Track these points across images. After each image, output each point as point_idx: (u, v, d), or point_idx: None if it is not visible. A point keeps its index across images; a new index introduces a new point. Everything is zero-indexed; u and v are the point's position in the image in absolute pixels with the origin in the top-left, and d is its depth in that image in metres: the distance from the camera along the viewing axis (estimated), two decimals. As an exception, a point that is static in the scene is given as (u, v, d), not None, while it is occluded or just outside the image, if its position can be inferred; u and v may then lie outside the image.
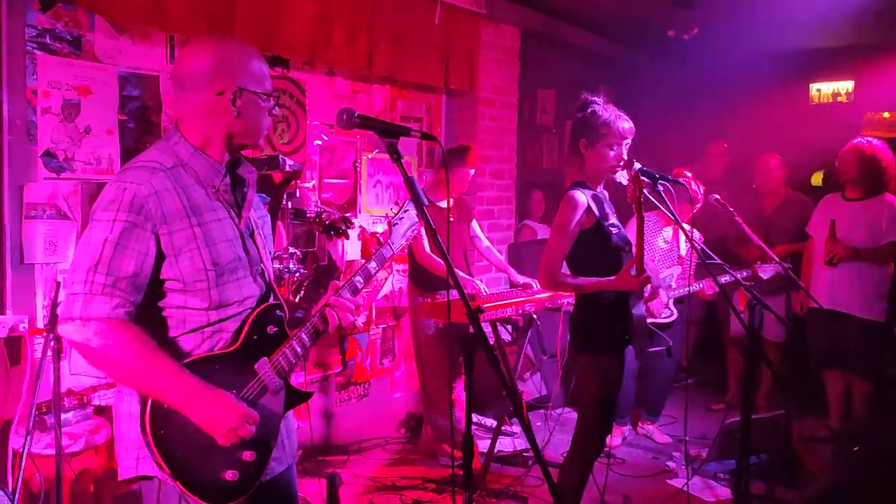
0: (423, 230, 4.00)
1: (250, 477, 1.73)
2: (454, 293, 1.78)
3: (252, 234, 1.87)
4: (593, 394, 2.98)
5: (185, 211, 1.69)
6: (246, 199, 1.85)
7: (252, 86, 1.78)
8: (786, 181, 5.28)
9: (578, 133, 3.02)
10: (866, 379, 4.50)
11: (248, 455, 1.70)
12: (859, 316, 4.41)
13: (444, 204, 4.15)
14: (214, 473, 1.66)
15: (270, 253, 1.98)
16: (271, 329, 1.81)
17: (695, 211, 4.25)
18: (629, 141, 2.99)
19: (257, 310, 1.79)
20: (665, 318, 4.39)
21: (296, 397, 1.88)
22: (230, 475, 1.68)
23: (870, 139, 4.49)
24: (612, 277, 2.87)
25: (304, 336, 1.84)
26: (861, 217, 4.41)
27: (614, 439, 4.61)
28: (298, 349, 1.83)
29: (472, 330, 1.72)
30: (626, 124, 2.97)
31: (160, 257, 1.66)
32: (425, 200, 1.87)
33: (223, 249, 1.73)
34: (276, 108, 1.88)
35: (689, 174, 4.46)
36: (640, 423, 4.89)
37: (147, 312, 1.68)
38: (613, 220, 3.02)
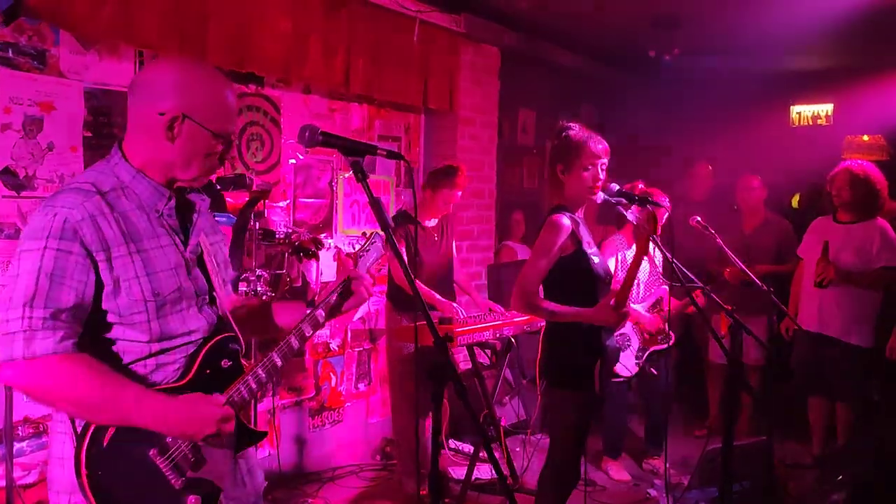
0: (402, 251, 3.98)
1: (197, 522, 1.61)
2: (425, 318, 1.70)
3: (201, 262, 1.74)
4: (567, 426, 2.93)
5: (122, 237, 1.56)
6: (194, 224, 1.73)
7: (202, 119, 1.62)
8: (766, 202, 5.26)
9: (555, 159, 2.99)
10: (852, 405, 4.45)
11: (192, 500, 1.58)
12: (847, 341, 4.34)
13: (431, 223, 4.13)
14: (156, 519, 1.55)
15: (225, 281, 1.85)
16: (225, 363, 1.69)
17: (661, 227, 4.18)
18: (605, 161, 2.94)
19: (210, 342, 1.68)
20: (661, 343, 4.30)
21: (249, 437, 1.76)
22: (173, 521, 1.56)
23: (860, 161, 4.45)
24: (590, 309, 2.81)
25: (260, 372, 1.72)
26: (851, 240, 4.35)
27: (616, 472, 4.51)
28: (254, 385, 1.70)
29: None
30: (599, 144, 2.93)
31: (99, 286, 1.53)
32: (391, 223, 1.78)
33: (164, 279, 1.61)
34: (227, 153, 1.72)
35: (641, 186, 4.39)
36: (644, 460, 4.68)
37: (86, 346, 1.54)
38: (594, 247, 2.97)
